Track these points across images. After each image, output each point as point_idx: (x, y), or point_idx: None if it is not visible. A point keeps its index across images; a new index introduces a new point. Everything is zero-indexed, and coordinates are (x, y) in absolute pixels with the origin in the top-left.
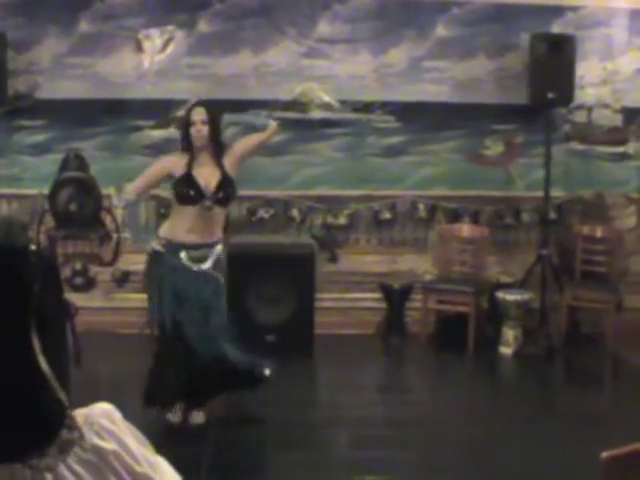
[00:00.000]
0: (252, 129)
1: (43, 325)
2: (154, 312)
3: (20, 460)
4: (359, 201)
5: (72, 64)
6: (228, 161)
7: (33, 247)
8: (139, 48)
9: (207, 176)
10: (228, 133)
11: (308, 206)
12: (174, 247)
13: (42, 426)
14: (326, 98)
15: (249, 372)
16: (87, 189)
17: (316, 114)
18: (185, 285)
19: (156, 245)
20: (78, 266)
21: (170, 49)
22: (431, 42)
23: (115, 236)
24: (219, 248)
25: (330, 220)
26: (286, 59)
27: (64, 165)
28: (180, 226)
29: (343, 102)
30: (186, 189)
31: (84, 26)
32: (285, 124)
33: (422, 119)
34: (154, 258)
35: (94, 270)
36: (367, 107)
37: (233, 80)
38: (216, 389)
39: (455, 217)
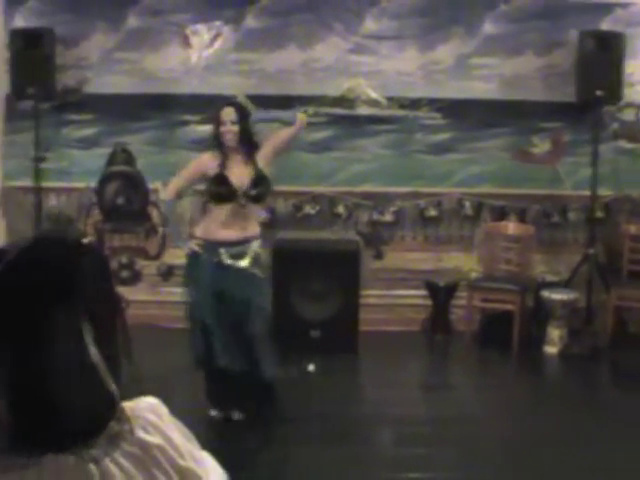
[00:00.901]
0: (281, 124)
1: (94, 318)
2: (193, 312)
3: (68, 450)
4: (405, 198)
5: (120, 59)
6: (261, 157)
7: (85, 240)
8: (186, 43)
9: (240, 174)
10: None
11: (354, 202)
12: (212, 246)
13: (92, 417)
14: (373, 94)
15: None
16: (134, 183)
17: (363, 110)
18: (225, 284)
19: (194, 245)
20: (124, 259)
21: (217, 44)
22: (479, 39)
23: (161, 230)
24: (256, 244)
25: (376, 217)
26: (333, 55)
27: (111, 159)
28: (216, 224)
29: (390, 99)
30: (218, 188)
31: (132, 21)
32: (332, 120)
33: (469, 116)
34: (192, 259)
35: (140, 263)
36: (414, 104)
37: (280, 76)
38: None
39: (501, 215)
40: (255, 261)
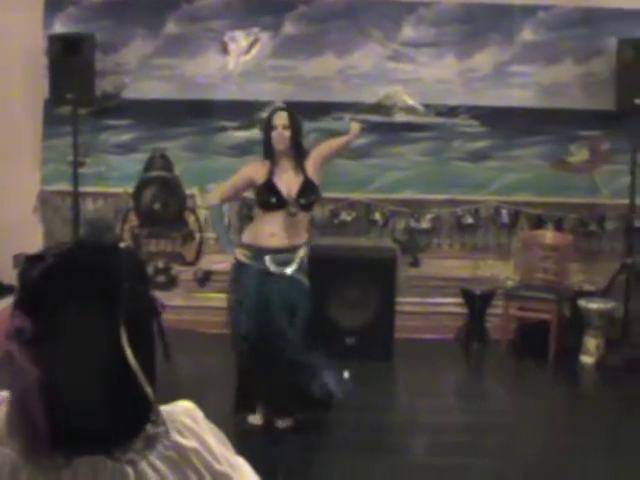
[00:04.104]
0: (335, 133)
1: (130, 321)
2: (239, 323)
3: (104, 452)
4: (442, 205)
5: (158, 65)
6: (310, 165)
7: (122, 244)
8: (224, 50)
9: (289, 182)
10: (310, 139)
11: (391, 210)
12: (258, 253)
13: (128, 419)
14: (410, 101)
15: (317, 395)
16: (171, 189)
17: (400, 117)
18: (271, 290)
19: (240, 255)
20: (160, 264)
21: (255, 51)
22: (517, 46)
23: (198, 236)
24: (302, 251)
25: (413, 224)
26: (371, 62)
27: (149, 164)
28: (264, 231)
29: (427, 106)
30: (268, 197)
31: (171, 28)
32: (369, 127)
33: (507, 124)
34: (238, 268)
35: (176, 269)
36: (451, 111)
37: (317, 82)
38: (292, 404)
39: (538, 223)
40: (300, 267)
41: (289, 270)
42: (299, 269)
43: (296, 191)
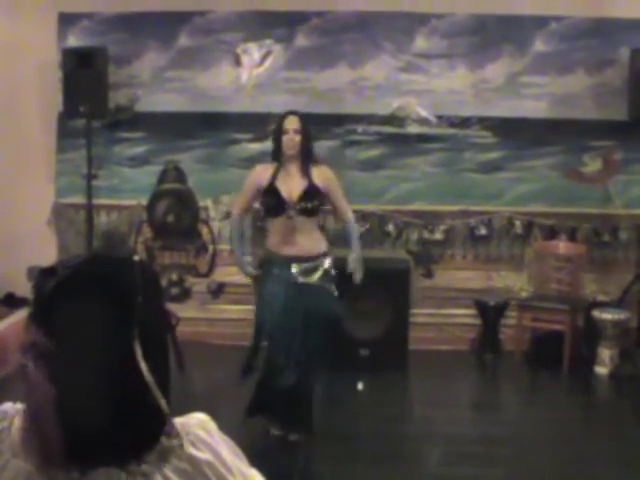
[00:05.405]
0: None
1: (145, 334)
2: (263, 328)
3: (119, 465)
4: (455, 217)
5: (171, 78)
6: (317, 174)
7: (136, 257)
8: (237, 62)
9: (292, 186)
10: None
11: (404, 221)
12: (283, 261)
13: (142, 432)
14: (423, 113)
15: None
16: (185, 201)
17: (413, 129)
18: (297, 299)
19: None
20: (174, 277)
21: (268, 63)
22: (529, 57)
23: (211, 248)
24: (328, 261)
25: (426, 235)
26: (383, 74)
27: (162, 177)
28: (277, 239)
29: (440, 117)
30: (268, 199)
31: (184, 40)
32: (382, 139)
33: (519, 135)
34: (264, 275)
35: (190, 281)
36: (464, 122)
37: (330, 94)
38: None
39: (552, 234)
40: (325, 276)
41: (312, 279)
42: (324, 278)
43: (297, 195)
